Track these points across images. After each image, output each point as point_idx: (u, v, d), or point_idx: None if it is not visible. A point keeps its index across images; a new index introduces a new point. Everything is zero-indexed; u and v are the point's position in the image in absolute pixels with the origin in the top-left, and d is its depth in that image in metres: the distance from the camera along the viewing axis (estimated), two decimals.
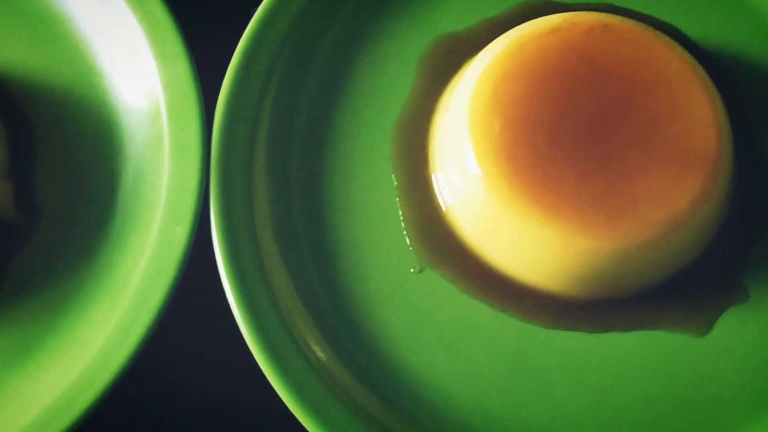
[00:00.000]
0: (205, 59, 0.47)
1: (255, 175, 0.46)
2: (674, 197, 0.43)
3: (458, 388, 0.44)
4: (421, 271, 0.45)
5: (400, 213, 0.46)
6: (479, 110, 0.44)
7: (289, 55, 0.47)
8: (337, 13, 0.49)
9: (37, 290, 0.46)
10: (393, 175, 0.47)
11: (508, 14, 0.50)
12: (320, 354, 0.43)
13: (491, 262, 0.45)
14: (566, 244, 0.43)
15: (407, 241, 0.46)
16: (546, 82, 0.44)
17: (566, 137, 0.43)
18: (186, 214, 0.44)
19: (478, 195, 0.43)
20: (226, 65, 0.46)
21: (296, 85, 0.48)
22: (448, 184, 0.46)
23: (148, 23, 0.47)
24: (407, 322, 0.45)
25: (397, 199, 0.46)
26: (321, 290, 0.45)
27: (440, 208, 0.46)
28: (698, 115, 0.44)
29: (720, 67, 0.49)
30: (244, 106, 0.46)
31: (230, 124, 0.45)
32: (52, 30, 0.49)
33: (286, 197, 0.46)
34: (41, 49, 0.49)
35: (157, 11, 0.47)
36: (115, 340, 0.43)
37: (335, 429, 0.41)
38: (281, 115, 0.47)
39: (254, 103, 0.46)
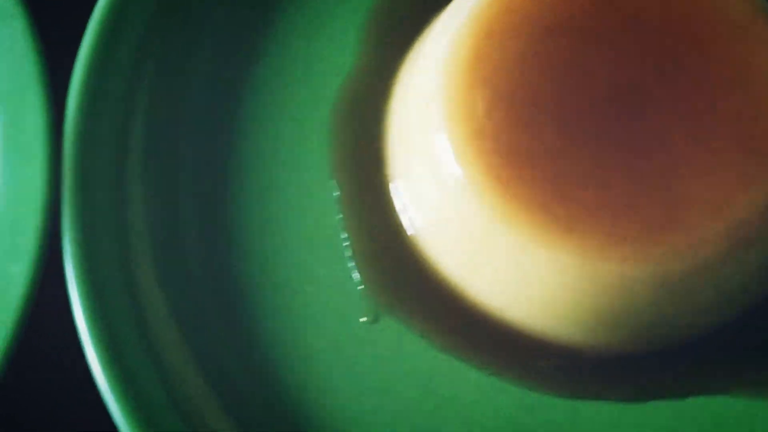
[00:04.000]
0: (54, 23, 0.33)
1: (129, 188, 0.33)
2: (738, 202, 0.30)
3: None
4: (375, 321, 0.33)
5: (344, 236, 0.33)
6: (456, 84, 0.31)
7: (173, 13, 0.34)
8: None
9: None
10: (332, 183, 0.34)
11: None
12: None
13: (478, 304, 0.32)
14: (585, 271, 0.30)
15: (355, 276, 0.33)
16: (549, 40, 0.31)
17: (581, 119, 0.30)
18: (26, 246, 0.30)
19: (457, 207, 0.31)
20: (83, 28, 0.33)
21: (185, 57, 0.34)
22: (414, 194, 0.33)
23: None
24: (356, 398, 0.32)
25: (340, 217, 0.33)
26: (229, 355, 0.32)
27: (402, 228, 0.33)
28: None
29: None
30: (110, 90, 0.33)
31: (91, 116, 0.32)
32: None
33: (176, 220, 0.33)
34: None
35: None
36: None
37: None
38: (164, 102, 0.34)
39: (124, 87, 0.33)
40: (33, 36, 0.33)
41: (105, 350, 0.30)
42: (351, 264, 0.33)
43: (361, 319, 0.33)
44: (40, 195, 0.31)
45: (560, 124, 0.31)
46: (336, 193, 0.34)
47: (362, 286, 0.33)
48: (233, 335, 0.32)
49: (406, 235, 0.34)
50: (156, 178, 0.33)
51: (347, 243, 0.34)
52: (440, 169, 0.31)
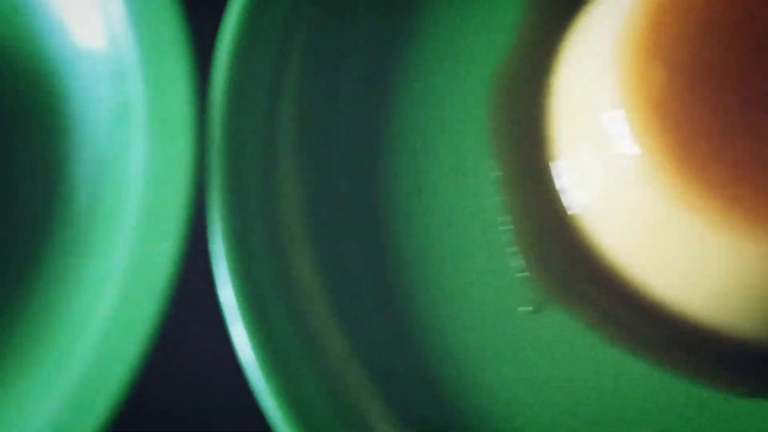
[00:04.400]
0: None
1: (279, 166, 0.31)
2: None
3: None
4: (537, 310, 0.30)
5: (504, 220, 0.31)
6: (633, 58, 0.29)
7: None
8: None
9: None
10: (491, 163, 0.31)
11: None
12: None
13: (649, 292, 0.30)
14: None
15: (514, 264, 0.31)
16: (728, 13, 0.29)
17: (760, 96, 0.28)
18: (171, 224, 0.28)
19: (632, 187, 0.28)
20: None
21: (337, 28, 0.32)
22: (580, 174, 0.30)
23: None
24: (518, 392, 0.30)
25: (499, 200, 0.31)
26: (387, 347, 0.30)
27: (566, 211, 0.31)
28: None
29: None
30: (258, 61, 0.31)
31: (239, 88, 0.30)
32: None
33: (331, 200, 0.31)
34: None
35: None
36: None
37: None
38: (317, 74, 0.32)
39: (273, 56, 0.31)
40: (178, 7, 0.31)
41: (258, 342, 0.28)
42: (509, 249, 0.31)
43: (522, 309, 0.30)
44: (185, 174, 0.29)
45: (740, 102, 0.28)
46: (495, 174, 0.31)
47: (523, 273, 0.30)
48: (390, 327, 0.30)
49: (570, 218, 0.31)
50: (311, 158, 0.31)
51: (507, 227, 0.31)
52: (614, 147, 0.29)
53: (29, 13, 0.33)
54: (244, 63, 0.30)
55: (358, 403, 0.29)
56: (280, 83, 0.31)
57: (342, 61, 0.32)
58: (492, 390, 0.30)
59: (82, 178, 0.31)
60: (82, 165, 0.31)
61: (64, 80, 0.32)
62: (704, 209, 0.28)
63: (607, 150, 0.29)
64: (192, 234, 0.29)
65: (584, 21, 0.33)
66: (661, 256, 0.30)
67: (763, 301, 0.29)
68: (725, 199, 0.28)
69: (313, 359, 0.29)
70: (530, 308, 0.31)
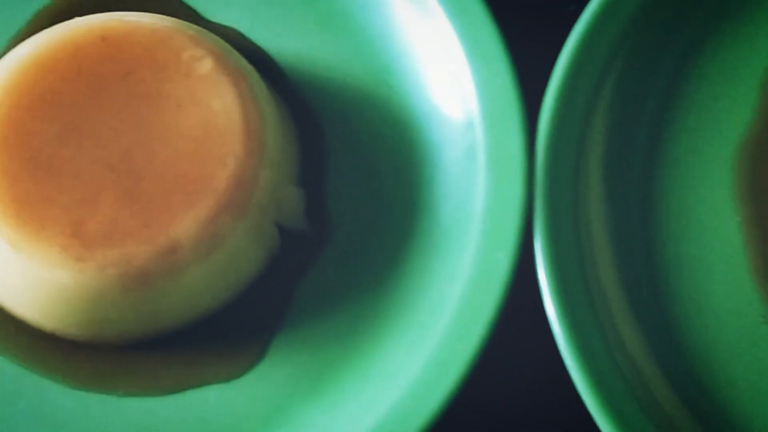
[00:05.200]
0: (527, 62, 0.41)
1: (585, 196, 0.40)
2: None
3: None
4: None
5: (745, 253, 0.40)
6: None
7: (624, 62, 0.41)
8: (683, 18, 0.43)
9: (329, 311, 0.41)
10: (734, 206, 0.41)
11: None
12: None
13: None
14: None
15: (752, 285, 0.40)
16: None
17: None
18: (509, 237, 0.38)
19: None
20: (550, 69, 0.41)
21: (631, 95, 0.42)
22: None
23: (460, 18, 0.41)
24: (754, 384, 0.39)
25: (741, 236, 0.41)
26: (669, 343, 0.39)
27: None
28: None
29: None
30: (572, 116, 0.40)
31: (557, 136, 0.40)
32: (345, 22, 0.44)
33: (622, 224, 0.41)
34: (332, 43, 0.44)
35: (470, 4, 0.42)
36: (430, 375, 0.37)
37: None
38: (614, 129, 0.42)
39: (583, 113, 0.40)
40: (513, 77, 0.40)
41: (567, 325, 0.37)
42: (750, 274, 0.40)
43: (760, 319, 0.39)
44: (519, 199, 0.39)
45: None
46: (737, 218, 0.41)
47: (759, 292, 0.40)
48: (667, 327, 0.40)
49: None
50: (609, 190, 0.41)
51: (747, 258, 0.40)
52: None
53: (401, 77, 0.43)
54: (559, 121, 0.40)
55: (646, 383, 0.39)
56: (585, 137, 0.41)
57: (636, 119, 0.42)
58: (725, 387, 0.39)
59: (443, 196, 0.41)
60: (444, 186, 0.41)
61: (428, 125, 0.42)
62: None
63: None
64: (521, 247, 0.39)
65: None
66: None
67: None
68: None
69: (616, 358, 0.38)
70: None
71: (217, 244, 0.39)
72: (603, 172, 0.41)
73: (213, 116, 0.39)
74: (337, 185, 0.43)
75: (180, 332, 0.40)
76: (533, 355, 0.42)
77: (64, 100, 0.40)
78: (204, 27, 0.43)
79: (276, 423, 0.39)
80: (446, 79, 0.42)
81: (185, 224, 0.38)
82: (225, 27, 0.44)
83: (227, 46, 0.42)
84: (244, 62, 0.42)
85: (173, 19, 0.42)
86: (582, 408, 0.37)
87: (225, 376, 0.40)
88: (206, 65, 0.40)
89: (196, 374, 0.40)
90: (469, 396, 0.38)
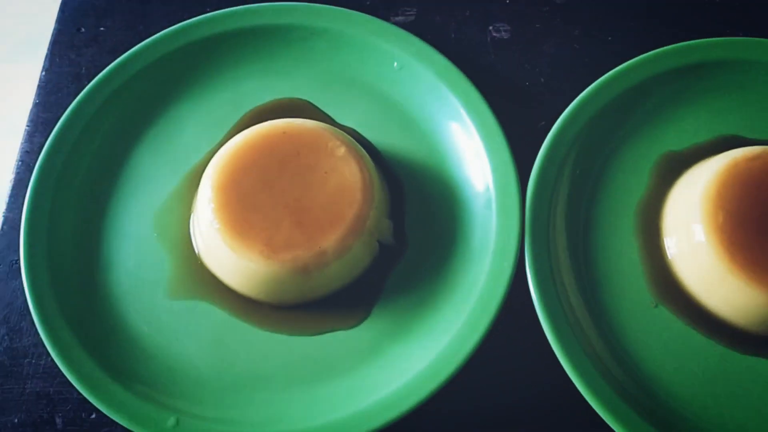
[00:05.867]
0: (519, 155, 0.72)
1: (553, 231, 0.70)
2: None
3: (683, 389, 0.66)
4: (656, 306, 0.69)
5: (641, 265, 0.70)
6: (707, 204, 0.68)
7: (575, 157, 0.72)
8: (610, 131, 0.74)
9: (406, 292, 0.70)
10: (635, 238, 0.71)
11: (710, 142, 0.75)
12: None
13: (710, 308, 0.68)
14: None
15: (645, 284, 0.70)
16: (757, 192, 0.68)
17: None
18: (510, 253, 0.68)
19: (702, 257, 0.67)
20: (533, 159, 0.71)
21: (580, 176, 0.72)
22: (676, 246, 0.70)
23: (484, 131, 0.72)
24: (647, 343, 0.68)
25: (638, 255, 0.71)
26: (603, 323, 0.69)
27: (667, 260, 0.70)
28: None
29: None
30: (546, 187, 0.71)
31: (537, 198, 0.70)
32: (418, 126, 0.75)
33: (574, 248, 0.71)
34: (409, 138, 0.75)
35: (490, 125, 0.73)
36: (463, 333, 0.66)
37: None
38: (569, 195, 0.72)
39: (552, 185, 0.71)
40: (512, 162, 0.72)
41: (545, 305, 0.69)
42: (644, 278, 0.72)
43: (649, 304, 0.71)
44: (516, 232, 0.69)
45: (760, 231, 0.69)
46: (636, 245, 0.73)
47: (648, 288, 0.72)
48: (594, 311, 0.71)
49: (668, 262, 0.72)
50: (566, 232, 0.72)
51: (642, 268, 0.72)
52: (693, 240, 0.69)
53: (449, 160, 0.74)
54: (538, 189, 0.70)
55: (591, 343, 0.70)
56: (553, 199, 0.71)
57: (582, 190, 0.73)
58: (632, 347, 0.70)
59: (473, 229, 0.70)
60: (473, 224, 0.71)
61: (464, 188, 0.72)
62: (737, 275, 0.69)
63: (691, 240, 0.70)
64: (516, 260, 0.69)
65: (680, 185, 0.72)
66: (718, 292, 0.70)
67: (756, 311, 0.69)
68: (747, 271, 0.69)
69: (572, 327, 0.69)
70: (652, 304, 0.71)
71: (346, 251, 0.68)
72: (564, 220, 0.71)
73: (345, 180, 0.69)
74: (411, 218, 0.73)
75: (322, 300, 0.70)
76: (524, 346, 0.69)
77: (261, 166, 0.70)
78: (337, 127, 0.74)
79: (375, 355, 0.68)
80: (475, 162, 0.72)
81: (329, 240, 0.67)
82: (348, 127, 0.76)
83: (351, 138, 0.73)
84: (360, 148, 0.72)
85: (320, 123, 0.73)
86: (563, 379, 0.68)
87: (346, 326, 0.69)
88: (341, 150, 0.70)
89: (329, 324, 0.70)
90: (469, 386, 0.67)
